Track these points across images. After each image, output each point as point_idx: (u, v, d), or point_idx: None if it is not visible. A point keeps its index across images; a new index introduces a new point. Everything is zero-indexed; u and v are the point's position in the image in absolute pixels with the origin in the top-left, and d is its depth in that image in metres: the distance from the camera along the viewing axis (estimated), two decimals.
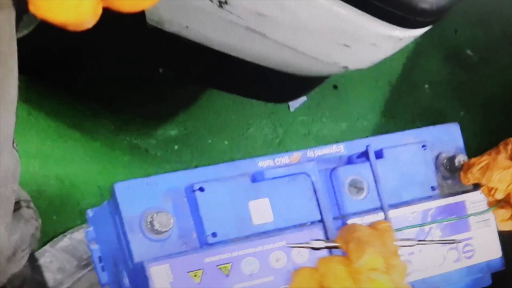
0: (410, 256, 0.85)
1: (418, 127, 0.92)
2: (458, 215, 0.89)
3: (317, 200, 0.80)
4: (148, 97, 1.55)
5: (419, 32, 0.93)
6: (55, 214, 1.39)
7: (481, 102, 1.92)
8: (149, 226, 0.73)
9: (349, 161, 0.85)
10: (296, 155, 0.83)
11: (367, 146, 0.84)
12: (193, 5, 0.97)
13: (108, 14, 0.44)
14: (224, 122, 1.63)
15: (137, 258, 0.73)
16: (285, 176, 0.79)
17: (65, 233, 1.33)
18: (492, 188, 0.87)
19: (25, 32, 1.23)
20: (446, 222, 0.88)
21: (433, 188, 0.88)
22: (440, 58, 1.95)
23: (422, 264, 0.86)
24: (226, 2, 0.92)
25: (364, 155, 0.84)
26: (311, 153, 0.84)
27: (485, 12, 2.04)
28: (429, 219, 0.87)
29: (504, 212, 0.90)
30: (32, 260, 1.06)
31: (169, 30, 1.06)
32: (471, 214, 0.89)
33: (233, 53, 1.07)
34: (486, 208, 0.90)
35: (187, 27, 1.03)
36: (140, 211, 0.74)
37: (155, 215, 0.73)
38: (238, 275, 0.74)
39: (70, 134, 1.47)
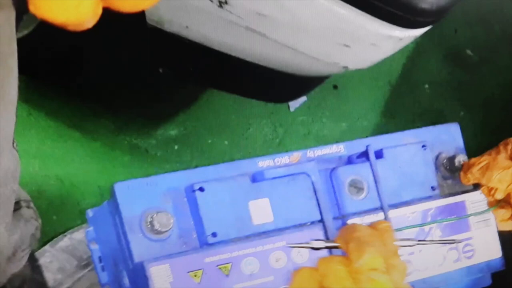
0: (410, 256, 0.85)
1: (418, 127, 0.92)
2: (458, 215, 0.89)
3: (317, 200, 0.80)
4: (148, 97, 1.55)
5: (419, 32, 0.93)
6: (55, 214, 1.39)
7: (481, 102, 1.92)
8: (149, 226, 0.73)
9: (349, 161, 0.85)
10: (296, 155, 0.83)
11: (367, 146, 0.84)
12: (193, 5, 0.97)
13: (108, 14, 0.44)
14: (224, 122, 1.63)
15: (137, 258, 0.73)
16: (285, 176, 0.79)
17: (65, 233, 1.33)
18: (492, 188, 0.87)
19: (25, 32, 1.23)
20: (446, 222, 0.88)
21: (433, 188, 0.88)
22: (440, 58, 1.95)
23: (422, 264, 0.86)
24: (226, 2, 0.92)
25: (364, 155, 0.84)
26: (311, 153, 0.84)
27: (485, 12, 2.05)
28: (429, 219, 0.87)
29: (504, 212, 0.90)
30: (32, 260, 1.06)
31: (169, 30, 1.06)
32: (471, 214, 0.89)
33: (233, 53, 1.07)
34: (486, 208, 0.90)
35: (187, 27, 1.04)
36: (140, 211, 0.74)
37: (155, 215, 0.73)
38: (238, 275, 0.74)
39: (70, 134, 1.48)
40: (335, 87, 1.77)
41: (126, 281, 0.77)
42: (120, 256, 0.76)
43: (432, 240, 0.86)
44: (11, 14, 0.56)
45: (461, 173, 0.90)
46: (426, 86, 1.89)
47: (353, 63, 1.00)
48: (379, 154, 0.85)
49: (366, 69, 1.03)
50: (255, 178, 0.79)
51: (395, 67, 1.87)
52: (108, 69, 1.45)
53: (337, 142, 0.86)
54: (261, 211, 0.78)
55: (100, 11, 0.43)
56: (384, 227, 0.76)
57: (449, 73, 1.94)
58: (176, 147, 1.57)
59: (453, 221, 0.88)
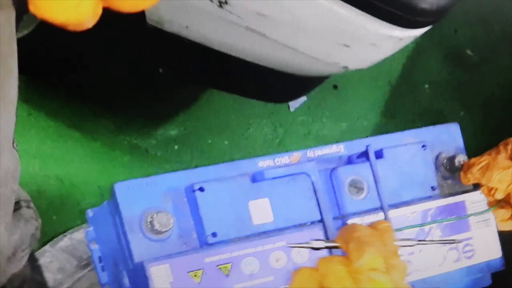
0: (410, 256, 0.85)
1: (418, 127, 0.92)
2: (458, 215, 0.89)
3: (317, 200, 0.80)
4: (148, 97, 1.55)
5: (419, 32, 0.93)
6: (55, 214, 1.39)
7: (481, 102, 1.92)
8: (149, 226, 0.73)
9: (349, 161, 0.85)
10: (296, 155, 0.83)
11: (367, 146, 0.84)
12: (193, 5, 0.97)
13: (108, 14, 0.44)
14: (224, 122, 1.63)
15: (137, 258, 0.73)
16: (285, 176, 0.79)
17: (65, 233, 1.33)
18: (492, 188, 0.87)
19: (25, 32, 1.23)
20: (446, 222, 0.88)
21: (433, 188, 0.88)
22: (440, 58, 1.95)
23: (422, 264, 0.86)
24: (226, 2, 0.92)
25: (364, 155, 0.84)
26: (311, 153, 0.84)
27: (485, 12, 2.05)
28: (429, 219, 0.87)
29: (504, 212, 0.90)
30: (32, 260, 1.06)
31: (169, 30, 1.06)
32: (471, 214, 0.89)
33: (233, 53, 1.07)
34: (486, 208, 0.90)
35: (187, 27, 1.04)
36: (140, 211, 0.74)
37: (155, 215, 0.73)
38: (238, 275, 0.74)
39: (70, 134, 1.48)
40: (335, 87, 1.77)
41: (126, 281, 0.76)
42: (120, 256, 0.76)
43: (432, 240, 0.86)
44: (11, 14, 0.56)
45: (461, 173, 0.90)
46: (426, 86, 1.89)
47: (353, 63, 1.00)
48: (379, 154, 0.85)
49: (366, 69, 1.03)
50: (255, 178, 0.79)
51: (395, 67, 1.87)
52: (108, 69, 1.45)
53: (337, 142, 0.86)
54: (261, 211, 0.78)
55: (100, 11, 0.43)
56: (384, 227, 0.76)
57: (449, 73, 1.94)
58: (176, 147, 1.57)
59: (453, 221, 0.88)
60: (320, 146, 0.85)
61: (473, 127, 1.84)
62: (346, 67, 1.01)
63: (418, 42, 1.85)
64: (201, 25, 1.02)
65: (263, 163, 0.81)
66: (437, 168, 0.91)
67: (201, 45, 1.07)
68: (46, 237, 1.32)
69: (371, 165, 0.83)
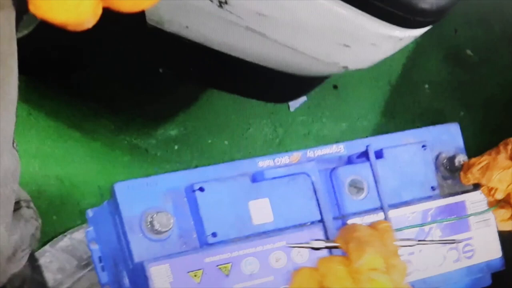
0: (410, 256, 0.85)
1: (418, 127, 0.92)
2: (458, 215, 0.89)
3: (317, 200, 0.80)
4: (148, 97, 1.55)
5: (419, 32, 0.93)
6: (55, 214, 1.39)
7: (481, 102, 1.92)
8: (149, 226, 0.73)
9: (349, 161, 0.85)
10: (296, 155, 0.83)
11: (367, 146, 0.84)
12: (193, 5, 0.97)
13: (108, 14, 0.44)
14: (224, 122, 1.63)
15: (137, 258, 0.73)
16: (285, 176, 0.79)
17: (65, 233, 1.33)
18: (492, 188, 0.87)
19: (25, 32, 1.23)
20: (446, 222, 0.88)
21: (433, 188, 0.88)
22: (440, 58, 1.95)
23: (422, 264, 0.86)
24: (226, 2, 0.92)
25: (364, 155, 0.84)
26: (311, 153, 0.84)
27: (485, 12, 2.05)
28: (429, 219, 0.87)
29: (504, 212, 0.90)
30: (32, 260, 1.06)
31: (169, 30, 1.06)
32: (471, 214, 0.89)
33: (233, 53, 1.07)
34: (486, 208, 0.90)
35: (187, 27, 1.04)
36: (140, 211, 0.74)
37: (155, 215, 0.73)
38: (238, 275, 0.74)
39: (70, 134, 1.48)
40: (335, 87, 1.77)
41: (126, 281, 0.77)
42: (120, 256, 0.76)
43: (432, 240, 0.86)
44: (11, 14, 0.56)
45: (461, 173, 0.90)
46: (426, 86, 1.89)
47: (353, 63, 1.00)
48: (379, 154, 0.85)
49: (366, 69, 1.03)
50: (255, 178, 0.79)
51: (395, 67, 1.87)
52: (108, 69, 1.45)
53: (337, 142, 0.86)
54: (261, 211, 0.78)
55: (100, 11, 0.43)
56: (384, 227, 0.76)
57: (449, 73, 1.94)
58: (176, 147, 1.57)
59: (453, 221, 0.88)
60: (320, 146, 0.85)
61: (473, 127, 1.83)
62: (346, 67, 1.01)
63: (418, 42, 1.85)
64: (201, 25, 1.02)
65: (263, 163, 0.81)
66: (437, 168, 0.91)
67: (201, 45, 1.07)
68: (46, 237, 1.31)
69: (371, 165, 0.83)
